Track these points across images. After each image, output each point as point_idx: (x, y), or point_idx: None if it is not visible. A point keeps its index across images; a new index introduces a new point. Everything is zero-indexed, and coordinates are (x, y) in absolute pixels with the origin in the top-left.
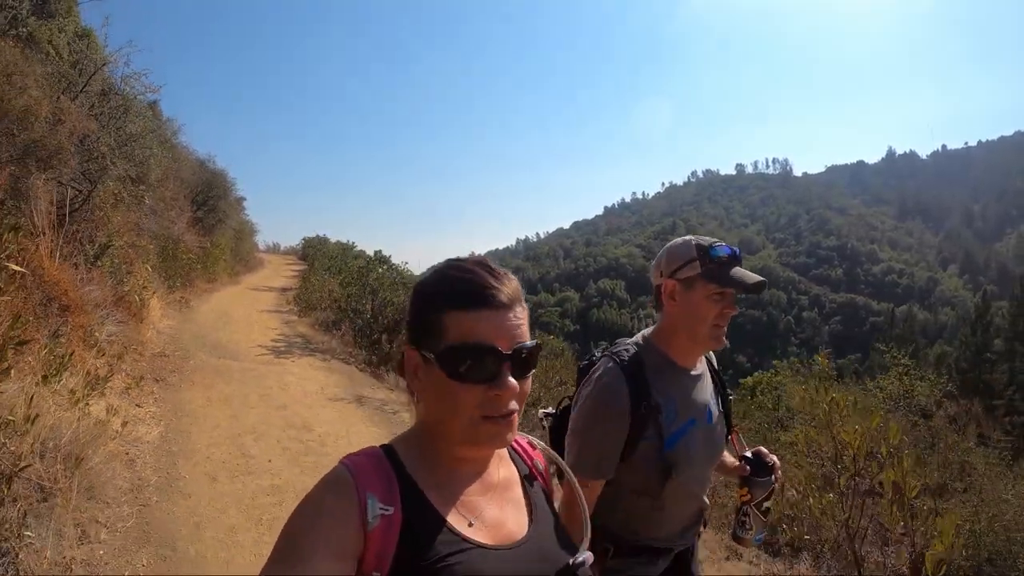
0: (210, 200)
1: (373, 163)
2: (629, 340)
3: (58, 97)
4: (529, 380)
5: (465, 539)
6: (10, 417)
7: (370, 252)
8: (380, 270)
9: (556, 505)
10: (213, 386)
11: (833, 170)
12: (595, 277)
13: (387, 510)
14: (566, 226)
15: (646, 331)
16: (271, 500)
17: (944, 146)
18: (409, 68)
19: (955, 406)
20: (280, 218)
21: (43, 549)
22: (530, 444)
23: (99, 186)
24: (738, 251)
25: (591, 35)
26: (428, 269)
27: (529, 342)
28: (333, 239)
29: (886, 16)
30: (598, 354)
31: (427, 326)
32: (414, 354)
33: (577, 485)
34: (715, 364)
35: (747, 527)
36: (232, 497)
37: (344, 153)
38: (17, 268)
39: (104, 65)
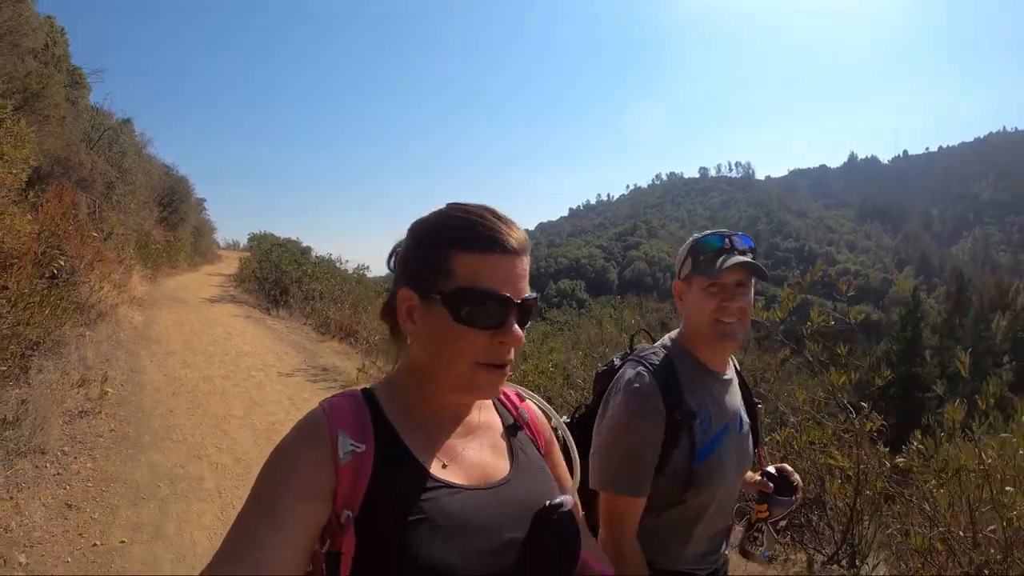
0: (173, 202)
1: (357, 164)
2: (656, 344)
3: (92, 155)
4: (524, 331)
5: (437, 479)
6: (92, 287)
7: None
8: (279, 251)
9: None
10: (171, 310)
11: (796, 174)
12: (555, 277)
13: (358, 447)
14: (531, 228)
15: (672, 334)
16: (192, 331)
17: (905, 151)
18: (395, 69)
19: None
20: (260, 217)
21: (102, 329)
22: (518, 395)
23: (106, 199)
24: (734, 237)
25: (572, 40)
26: (429, 213)
27: (533, 293)
28: (283, 235)
29: (854, 26)
30: (617, 360)
31: (431, 266)
32: (410, 295)
33: (573, 442)
34: (738, 369)
35: (759, 543)
36: (175, 330)
37: (326, 155)
38: (96, 234)
39: (108, 128)
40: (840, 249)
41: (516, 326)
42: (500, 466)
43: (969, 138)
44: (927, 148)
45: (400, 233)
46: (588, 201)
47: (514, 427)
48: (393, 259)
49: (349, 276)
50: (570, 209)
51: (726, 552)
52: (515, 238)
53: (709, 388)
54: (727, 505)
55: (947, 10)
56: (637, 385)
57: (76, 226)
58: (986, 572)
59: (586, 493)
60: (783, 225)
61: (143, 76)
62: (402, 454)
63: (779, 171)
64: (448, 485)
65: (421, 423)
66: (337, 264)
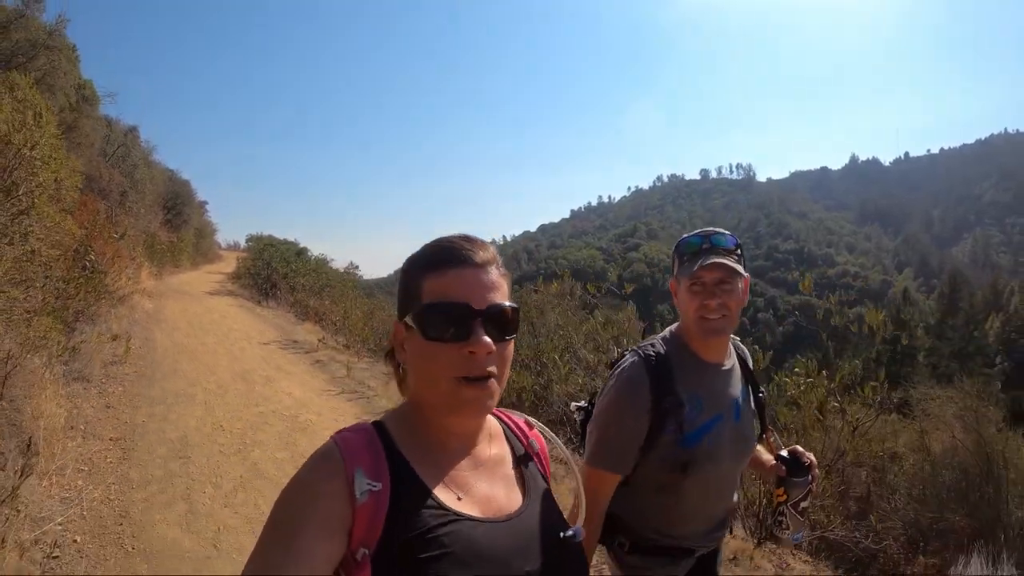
0: (177, 205)
1: (359, 165)
2: (658, 336)
3: (109, 168)
4: (510, 345)
5: (454, 512)
6: (113, 278)
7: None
8: (270, 251)
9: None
10: (176, 301)
11: (797, 176)
12: (555, 279)
13: (375, 486)
14: (532, 229)
15: (673, 327)
16: (193, 315)
17: (907, 153)
18: (393, 71)
19: None
20: (261, 219)
21: (121, 311)
22: (527, 424)
23: (120, 205)
24: (715, 237)
25: (575, 39)
26: None
27: (505, 302)
28: (281, 236)
29: (854, 25)
30: (628, 352)
31: (408, 294)
32: (399, 327)
33: (578, 470)
34: (748, 360)
35: (784, 527)
36: (179, 314)
37: (327, 157)
38: (114, 236)
39: (121, 145)
40: (840, 251)
41: (484, 335)
42: (512, 498)
43: (970, 139)
44: (928, 150)
45: (397, 234)
46: (590, 203)
47: (525, 457)
48: None
49: (335, 274)
50: (572, 211)
51: (725, 534)
52: (479, 253)
53: (703, 378)
54: (723, 489)
55: (947, 9)
56: (628, 374)
57: (98, 228)
58: None
59: None
60: (783, 227)
61: (142, 75)
62: (418, 489)
63: (780, 173)
64: (466, 518)
65: (431, 455)
66: (326, 263)
